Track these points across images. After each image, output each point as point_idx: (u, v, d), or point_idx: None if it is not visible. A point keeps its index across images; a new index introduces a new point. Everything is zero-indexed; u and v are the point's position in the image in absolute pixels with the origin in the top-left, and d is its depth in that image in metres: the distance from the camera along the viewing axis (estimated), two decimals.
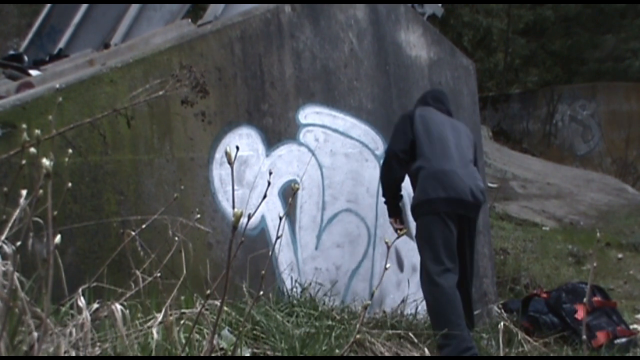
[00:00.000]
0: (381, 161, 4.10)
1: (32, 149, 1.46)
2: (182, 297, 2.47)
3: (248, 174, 3.38)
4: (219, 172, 3.25)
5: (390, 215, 3.80)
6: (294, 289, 3.33)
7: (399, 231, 3.64)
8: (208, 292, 1.48)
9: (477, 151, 4.01)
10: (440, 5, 5.96)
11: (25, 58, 5.15)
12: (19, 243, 1.58)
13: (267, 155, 3.50)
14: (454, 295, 3.33)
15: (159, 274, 2.15)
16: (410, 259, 4.26)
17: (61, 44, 5.48)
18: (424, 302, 3.55)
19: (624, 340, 4.40)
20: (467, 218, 3.55)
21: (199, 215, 2.90)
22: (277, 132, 3.56)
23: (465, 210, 3.48)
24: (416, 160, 3.57)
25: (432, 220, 3.43)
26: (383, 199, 3.83)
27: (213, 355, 2.18)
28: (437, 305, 3.34)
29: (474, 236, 3.72)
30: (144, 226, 2.38)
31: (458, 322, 3.25)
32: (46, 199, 1.33)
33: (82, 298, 1.83)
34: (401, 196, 3.81)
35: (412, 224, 3.71)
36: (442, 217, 3.42)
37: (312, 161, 3.72)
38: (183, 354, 1.87)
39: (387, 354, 2.86)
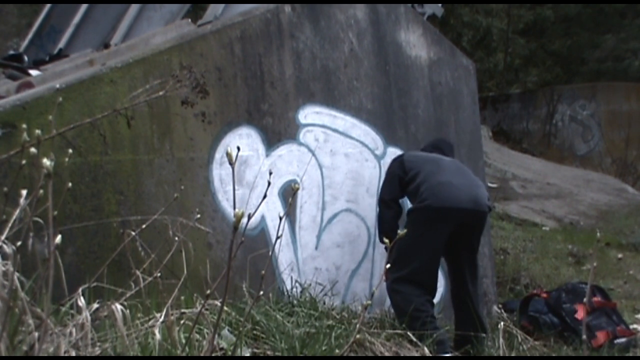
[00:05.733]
0: (381, 161, 4.11)
1: (32, 149, 1.46)
2: (182, 297, 2.47)
3: (248, 174, 3.38)
4: (219, 172, 3.25)
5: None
6: (294, 289, 3.33)
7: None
8: (208, 292, 1.48)
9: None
10: (440, 5, 5.97)
11: (25, 58, 5.15)
12: (19, 243, 1.58)
13: (267, 155, 3.50)
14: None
15: (159, 274, 2.15)
16: None
17: (61, 44, 5.47)
18: None
19: (624, 340, 4.40)
20: (468, 226, 3.58)
21: (199, 215, 2.90)
22: (277, 132, 3.56)
23: (463, 218, 3.51)
24: (418, 192, 3.61)
25: (422, 229, 3.48)
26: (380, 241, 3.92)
27: (213, 355, 2.17)
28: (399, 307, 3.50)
29: (476, 244, 3.73)
30: (144, 226, 2.37)
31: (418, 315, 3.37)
32: (46, 199, 1.33)
33: (82, 298, 1.83)
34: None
35: None
36: (433, 226, 3.49)
37: (312, 161, 3.72)
38: (183, 354, 1.87)
39: (387, 354, 2.86)
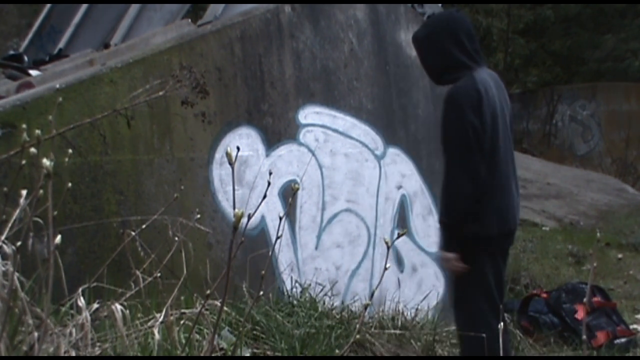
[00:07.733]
0: (381, 161, 4.10)
1: (32, 149, 1.46)
2: (182, 297, 2.47)
3: (248, 174, 3.38)
4: (219, 172, 3.25)
5: (449, 249, 2.69)
6: (294, 289, 3.33)
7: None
8: (208, 292, 1.48)
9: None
10: (440, 5, 5.96)
11: (25, 58, 5.14)
12: (19, 243, 1.58)
13: (267, 155, 3.50)
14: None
15: (159, 274, 2.15)
16: (410, 259, 4.26)
17: (61, 44, 5.47)
18: (423, 303, 3.56)
19: (623, 340, 4.40)
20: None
21: (199, 215, 2.90)
22: (277, 132, 3.56)
23: (511, 242, 2.95)
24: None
25: (487, 258, 2.76)
26: (441, 224, 2.77)
27: (213, 355, 2.18)
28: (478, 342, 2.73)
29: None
30: (144, 226, 2.38)
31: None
32: (46, 199, 1.32)
33: (82, 298, 1.83)
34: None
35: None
36: (497, 254, 2.82)
37: (312, 161, 3.72)
38: (183, 354, 1.87)
39: (387, 354, 2.86)
